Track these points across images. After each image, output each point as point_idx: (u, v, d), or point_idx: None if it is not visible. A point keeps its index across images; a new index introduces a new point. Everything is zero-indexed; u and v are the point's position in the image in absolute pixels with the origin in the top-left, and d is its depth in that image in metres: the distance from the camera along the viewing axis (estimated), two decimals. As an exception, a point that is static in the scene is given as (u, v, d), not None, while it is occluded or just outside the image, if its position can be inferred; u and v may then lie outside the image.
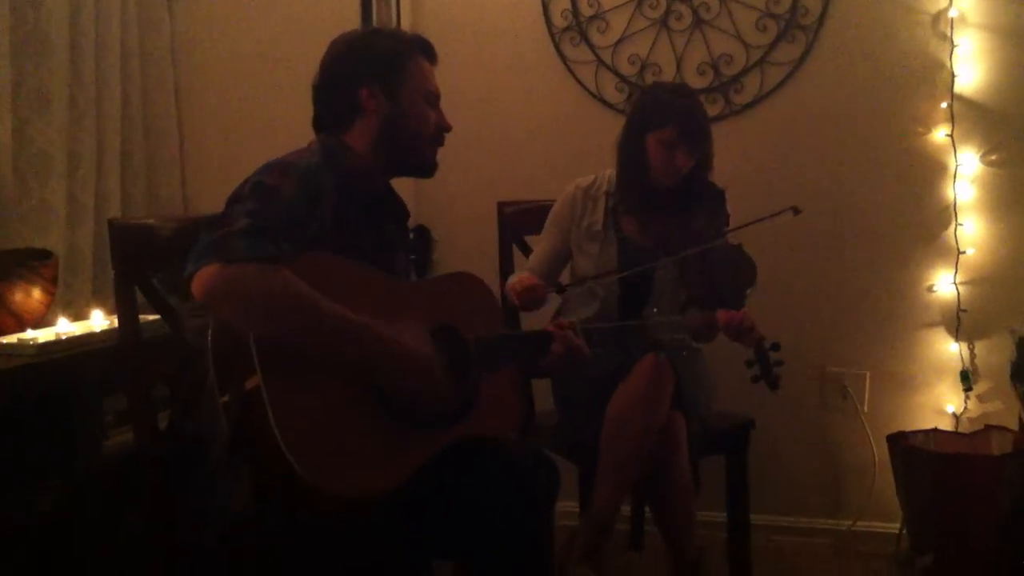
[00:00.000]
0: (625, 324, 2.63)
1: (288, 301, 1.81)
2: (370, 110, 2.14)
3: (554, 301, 2.92)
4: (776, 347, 2.62)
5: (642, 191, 2.86)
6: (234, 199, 1.93)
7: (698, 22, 3.53)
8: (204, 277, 1.80)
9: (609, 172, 2.96)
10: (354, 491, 1.82)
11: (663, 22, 3.56)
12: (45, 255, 2.42)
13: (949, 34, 3.31)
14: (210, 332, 1.86)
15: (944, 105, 3.33)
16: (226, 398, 1.84)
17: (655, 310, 2.48)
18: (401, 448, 1.93)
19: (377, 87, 2.14)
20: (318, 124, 2.21)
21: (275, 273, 1.81)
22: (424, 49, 2.23)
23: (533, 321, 3.03)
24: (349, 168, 2.11)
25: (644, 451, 2.59)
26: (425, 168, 2.24)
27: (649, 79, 3.56)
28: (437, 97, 2.23)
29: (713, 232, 2.73)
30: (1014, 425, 3.19)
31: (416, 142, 2.19)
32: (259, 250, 1.81)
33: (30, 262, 2.36)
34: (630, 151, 2.86)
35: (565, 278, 3.05)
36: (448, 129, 2.24)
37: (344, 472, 1.82)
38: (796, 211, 2.66)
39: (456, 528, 1.98)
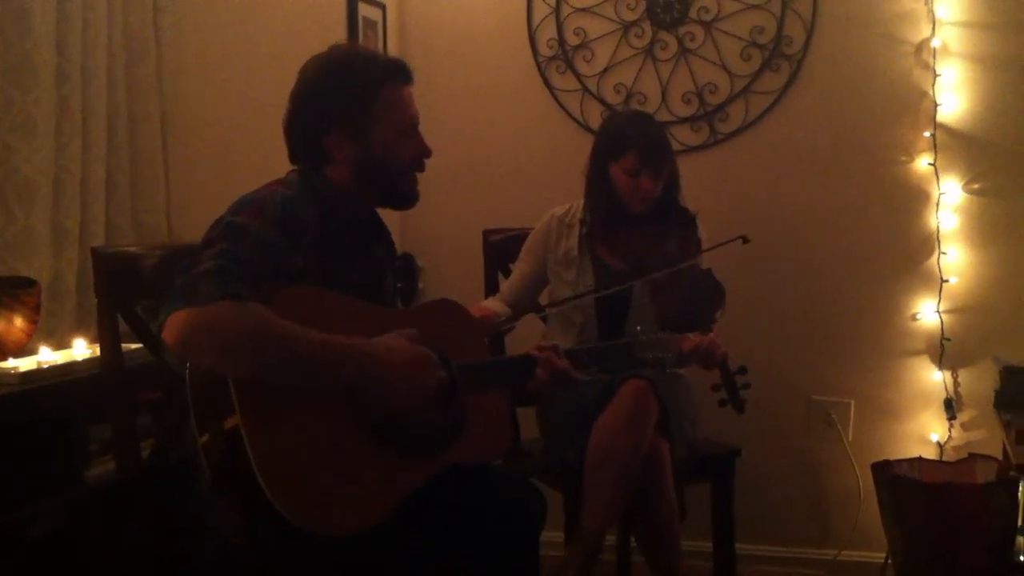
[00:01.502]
0: (609, 344, 2.64)
1: (261, 334, 1.76)
2: (339, 158, 2.08)
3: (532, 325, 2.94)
4: (743, 370, 2.63)
5: (611, 219, 2.91)
6: (206, 242, 1.88)
7: (683, 51, 3.56)
8: (174, 323, 1.76)
9: (582, 202, 3.01)
10: (342, 530, 1.80)
11: (648, 51, 3.59)
12: (28, 283, 2.40)
13: (932, 64, 3.34)
14: (187, 371, 1.82)
15: (927, 134, 3.36)
16: (205, 438, 1.81)
17: (639, 328, 2.48)
18: (389, 480, 1.91)
19: (342, 134, 2.07)
20: (294, 158, 2.16)
21: (243, 309, 1.76)
22: (397, 75, 2.13)
23: (517, 346, 3.04)
24: (332, 198, 2.08)
25: (629, 475, 2.59)
26: (404, 200, 2.18)
27: (635, 107, 3.57)
28: (414, 124, 2.15)
29: (684, 255, 2.77)
30: (998, 453, 3.20)
31: (391, 178, 2.12)
32: (227, 288, 1.76)
33: (13, 290, 2.35)
34: (596, 182, 2.93)
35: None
36: (428, 155, 2.17)
37: (332, 512, 1.80)
38: (745, 240, 2.74)
39: (444, 553, 1.97)
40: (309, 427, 1.81)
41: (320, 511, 1.78)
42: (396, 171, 2.13)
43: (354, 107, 2.07)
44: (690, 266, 2.75)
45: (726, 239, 2.76)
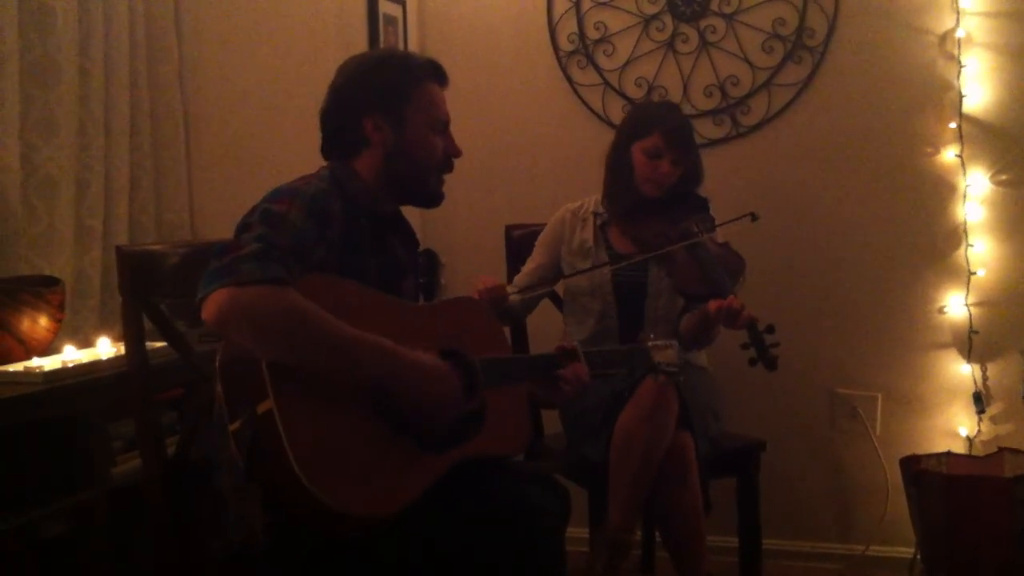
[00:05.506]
0: (623, 348, 2.66)
1: (300, 321, 1.81)
2: (375, 141, 2.13)
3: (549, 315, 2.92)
4: (771, 329, 2.64)
5: (627, 202, 2.95)
6: (243, 226, 1.92)
7: (704, 44, 3.53)
8: (215, 301, 1.80)
9: (596, 197, 3.06)
10: (367, 511, 1.82)
11: (669, 45, 3.57)
12: (52, 282, 2.42)
13: (956, 54, 3.31)
14: (218, 359, 1.86)
15: (953, 125, 3.32)
16: (236, 424, 1.83)
17: (652, 335, 2.49)
18: (413, 468, 1.93)
19: (382, 117, 2.12)
20: (326, 150, 2.20)
21: (285, 294, 1.81)
22: (435, 74, 2.20)
23: (535, 335, 3.04)
24: (357, 194, 2.11)
25: (653, 468, 2.60)
26: (431, 198, 2.23)
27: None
28: (446, 123, 2.21)
29: (699, 230, 2.82)
30: (1028, 447, 3.17)
31: (421, 172, 2.17)
32: (269, 272, 1.81)
33: (37, 289, 2.36)
34: (617, 162, 2.98)
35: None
36: (457, 155, 2.22)
37: (357, 493, 1.82)
38: (754, 218, 2.84)
39: (467, 550, 1.97)
40: (339, 412, 1.85)
41: (344, 489, 1.80)
42: (428, 165, 2.17)
43: (395, 92, 2.13)
44: (705, 241, 2.80)
45: (734, 216, 2.84)
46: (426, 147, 2.16)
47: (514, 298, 2.94)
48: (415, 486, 1.91)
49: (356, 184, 2.12)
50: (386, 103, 2.12)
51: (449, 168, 2.22)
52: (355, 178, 2.13)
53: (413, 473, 1.93)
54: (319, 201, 2.00)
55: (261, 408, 1.79)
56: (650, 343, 2.43)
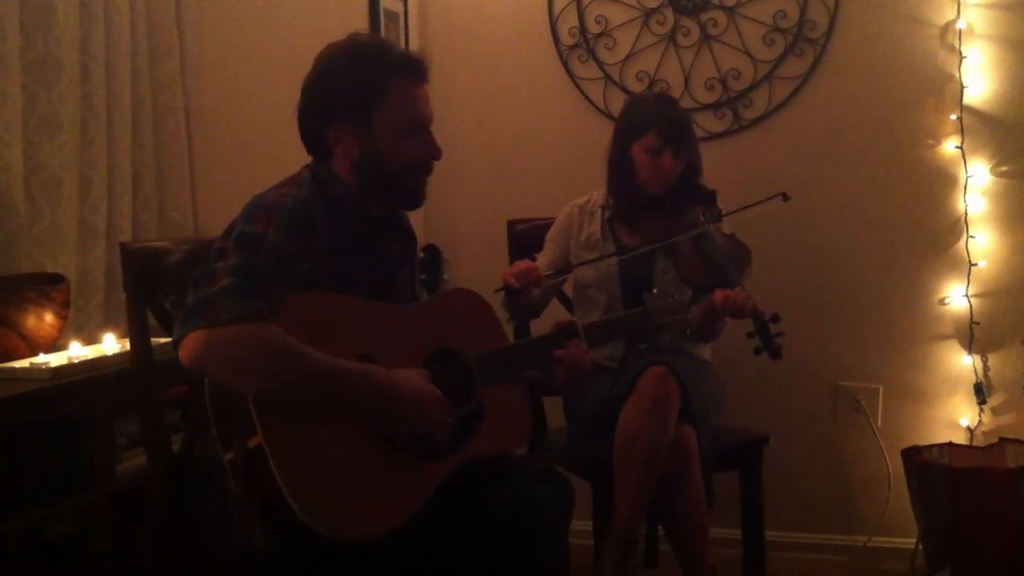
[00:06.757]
0: (625, 313, 2.65)
1: (280, 358, 1.77)
2: (339, 152, 2.06)
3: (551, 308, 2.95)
4: (776, 318, 2.65)
5: (633, 200, 2.94)
6: (218, 253, 1.87)
7: (705, 37, 3.54)
8: (192, 343, 1.76)
9: (603, 190, 3.05)
10: (372, 535, 1.82)
11: (670, 38, 3.57)
12: (57, 279, 2.43)
13: (957, 46, 3.31)
14: (206, 390, 1.84)
15: (954, 117, 3.32)
16: (229, 455, 1.82)
17: (655, 290, 2.48)
18: (411, 481, 1.92)
19: (347, 127, 2.03)
20: (307, 149, 2.14)
21: (263, 332, 1.77)
22: (411, 72, 2.07)
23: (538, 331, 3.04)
24: (341, 196, 2.05)
25: (658, 463, 2.60)
26: (405, 199, 2.15)
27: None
28: (424, 124, 2.09)
29: (703, 220, 2.81)
30: (1029, 438, 3.18)
31: (394, 177, 2.07)
32: (244, 309, 1.76)
33: (42, 286, 2.37)
34: (618, 163, 2.97)
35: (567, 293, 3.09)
36: (437, 157, 2.11)
37: (358, 518, 1.82)
38: (785, 197, 2.84)
39: (470, 551, 1.97)
40: (330, 439, 1.83)
41: (345, 517, 1.80)
42: (400, 170, 2.07)
43: (358, 98, 2.03)
44: (712, 231, 2.80)
45: (765, 197, 2.84)
46: (397, 153, 2.05)
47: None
48: (417, 497, 1.91)
49: (338, 186, 2.06)
50: (351, 112, 2.03)
51: (428, 169, 2.12)
52: (335, 180, 2.07)
53: (414, 484, 1.92)
54: (299, 213, 1.93)
55: (252, 442, 1.77)
56: (651, 303, 2.41)
